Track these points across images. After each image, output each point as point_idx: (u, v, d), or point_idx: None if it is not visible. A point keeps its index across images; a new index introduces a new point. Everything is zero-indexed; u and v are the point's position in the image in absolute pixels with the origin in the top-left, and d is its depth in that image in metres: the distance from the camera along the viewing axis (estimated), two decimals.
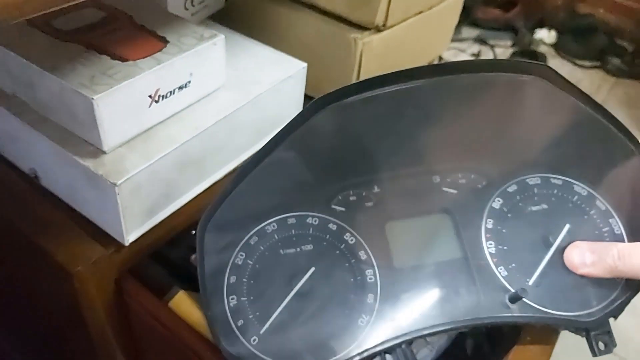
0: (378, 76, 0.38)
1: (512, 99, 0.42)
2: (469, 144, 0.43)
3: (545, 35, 1.73)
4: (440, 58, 1.61)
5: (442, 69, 0.39)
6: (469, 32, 1.71)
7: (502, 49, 1.67)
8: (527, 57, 1.62)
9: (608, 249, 0.36)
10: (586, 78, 1.65)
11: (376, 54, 0.53)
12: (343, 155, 0.44)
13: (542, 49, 1.70)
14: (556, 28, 1.74)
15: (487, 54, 1.65)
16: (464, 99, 0.42)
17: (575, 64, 1.68)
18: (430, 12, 0.58)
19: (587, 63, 1.68)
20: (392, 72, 0.39)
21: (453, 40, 1.67)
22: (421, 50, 0.62)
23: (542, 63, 0.40)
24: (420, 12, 0.57)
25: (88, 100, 0.37)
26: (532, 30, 1.73)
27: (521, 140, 0.43)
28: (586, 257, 0.36)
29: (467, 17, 1.71)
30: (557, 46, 1.72)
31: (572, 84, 0.40)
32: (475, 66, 0.40)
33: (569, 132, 0.42)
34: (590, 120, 0.41)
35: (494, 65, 0.40)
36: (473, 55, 1.63)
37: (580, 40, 1.69)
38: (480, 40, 1.68)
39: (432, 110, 0.42)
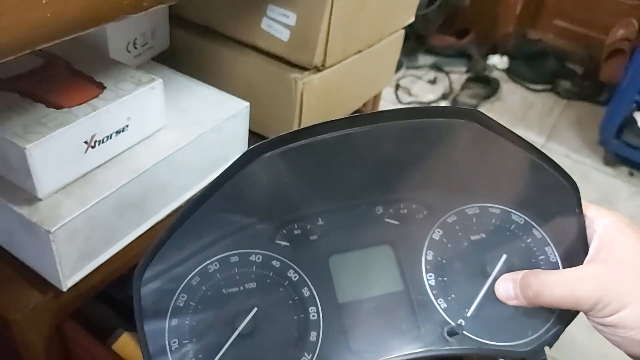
0: (312, 126, 0.39)
1: (447, 141, 0.44)
2: (409, 177, 0.44)
3: (498, 61, 1.80)
4: (398, 86, 1.66)
5: (375, 117, 0.41)
6: (425, 59, 1.77)
7: (457, 75, 1.73)
8: (481, 83, 1.68)
9: (529, 281, 0.36)
10: (538, 101, 1.71)
11: (317, 93, 0.55)
12: (284, 195, 0.44)
13: (495, 74, 1.77)
14: (508, 54, 1.81)
15: (442, 80, 1.70)
16: (399, 143, 0.43)
17: (528, 88, 1.75)
18: (370, 51, 0.61)
19: (538, 87, 1.75)
20: (326, 122, 0.40)
21: (409, 67, 1.72)
22: (362, 87, 0.64)
23: (473, 108, 0.42)
24: (359, 51, 0.59)
25: (20, 150, 0.37)
26: (485, 57, 1.80)
27: (459, 174, 0.44)
28: (511, 290, 0.37)
29: (423, 45, 1.77)
30: (509, 71, 1.79)
31: (502, 125, 0.42)
32: (408, 113, 0.41)
33: (505, 169, 0.44)
34: (523, 158, 0.43)
35: (427, 111, 0.41)
36: (429, 81, 1.68)
37: (532, 64, 1.76)
38: (436, 67, 1.74)
39: (369, 154, 0.43)
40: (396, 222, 0.43)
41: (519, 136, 0.42)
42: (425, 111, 0.41)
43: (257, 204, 0.42)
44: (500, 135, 0.42)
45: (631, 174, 1.49)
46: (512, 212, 0.43)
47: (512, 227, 0.42)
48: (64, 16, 0.30)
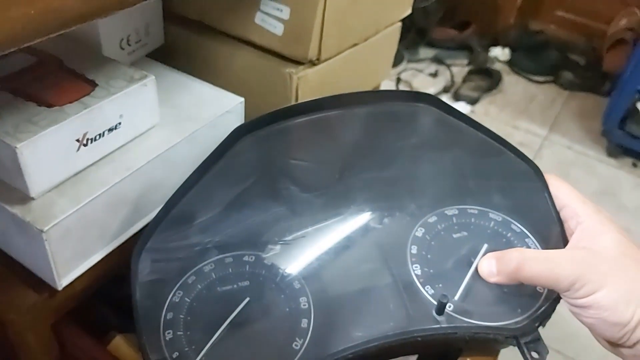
0: (287, 107, 0.45)
1: (409, 127, 0.48)
2: (390, 184, 0.47)
3: (500, 53, 1.78)
4: (399, 80, 1.65)
5: (344, 99, 0.45)
6: (426, 52, 1.76)
7: (459, 68, 1.72)
8: (483, 75, 1.67)
9: (511, 254, 0.37)
10: (541, 93, 1.70)
11: (312, 87, 0.55)
12: (272, 196, 0.46)
13: (497, 66, 1.76)
14: (510, 46, 1.80)
15: (444, 74, 1.69)
16: (368, 128, 0.47)
17: (530, 80, 1.74)
18: (366, 44, 0.60)
19: (541, 78, 1.74)
20: (301, 103, 0.44)
21: (410, 60, 1.71)
22: (359, 81, 0.64)
23: (428, 93, 0.47)
24: (355, 45, 0.59)
25: (11, 149, 0.37)
26: (486, 49, 1.79)
27: (435, 176, 0.47)
28: (493, 266, 0.38)
29: (423, 38, 1.76)
30: (511, 63, 1.78)
31: (456, 109, 0.46)
32: (372, 97, 0.47)
33: (471, 159, 0.47)
34: (482, 142, 0.45)
35: (387, 95, 0.47)
36: (430, 74, 1.67)
37: (534, 56, 1.75)
38: (437, 60, 1.73)
39: (344, 139, 0.47)
40: (380, 226, 0.46)
41: (472, 119, 0.46)
42: (383, 95, 0.46)
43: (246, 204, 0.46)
44: (456, 119, 0.46)
45: (635, 165, 1.48)
46: (490, 212, 0.45)
47: (491, 225, 0.44)
48: (49, 13, 0.29)
